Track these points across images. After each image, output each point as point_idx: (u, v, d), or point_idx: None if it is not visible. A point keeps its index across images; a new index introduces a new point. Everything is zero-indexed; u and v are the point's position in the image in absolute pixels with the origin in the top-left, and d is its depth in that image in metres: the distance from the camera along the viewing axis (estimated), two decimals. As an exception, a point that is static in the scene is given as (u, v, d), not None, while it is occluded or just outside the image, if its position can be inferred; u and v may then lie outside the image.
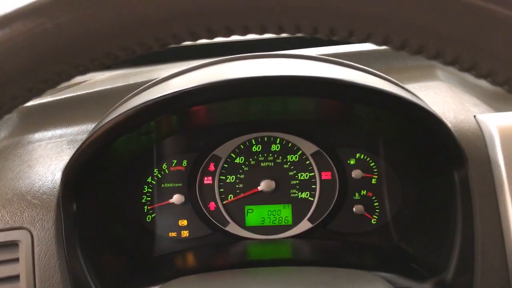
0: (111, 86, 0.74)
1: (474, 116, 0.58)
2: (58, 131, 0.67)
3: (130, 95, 0.54)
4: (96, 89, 0.75)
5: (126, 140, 0.56)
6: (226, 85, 0.46)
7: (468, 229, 0.51)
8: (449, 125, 0.53)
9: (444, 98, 0.65)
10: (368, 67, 0.55)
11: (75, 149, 0.53)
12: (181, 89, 0.47)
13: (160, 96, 0.47)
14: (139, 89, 0.55)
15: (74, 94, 0.74)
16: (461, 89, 0.71)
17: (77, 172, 0.51)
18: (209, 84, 0.46)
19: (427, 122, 0.51)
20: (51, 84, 0.22)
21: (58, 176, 0.55)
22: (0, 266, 0.49)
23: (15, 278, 0.49)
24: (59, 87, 0.80)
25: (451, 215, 0.53)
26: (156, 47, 0.22)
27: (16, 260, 0.50)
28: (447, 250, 0.52)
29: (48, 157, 0.60)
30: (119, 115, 0.49)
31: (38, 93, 0.22)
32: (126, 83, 0.73)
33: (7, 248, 0.50)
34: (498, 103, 0.67)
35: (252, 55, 0.53)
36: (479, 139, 0.54)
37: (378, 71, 0.56)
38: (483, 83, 0.76)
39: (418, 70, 0.75)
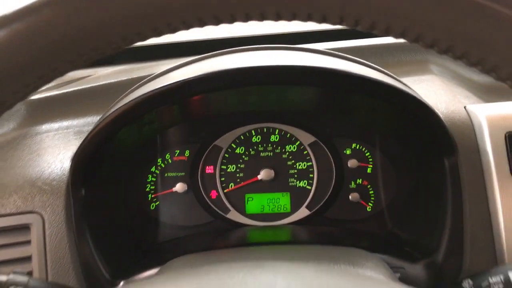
0: (115, 80, 0.77)
1: (465, 107, 0.61)
2: (65, 123, 0.69)
3: (134, 87, 0.57)
4: (100, 83, 0.77)
5: (130, 130, 0.59)
6: (225, 74, 0.49)
7: (458, 213, 0.54)
8: (441, 115, 0.55)
9: (437, 90, 0.67)
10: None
11: (81, 140, 0.55)
12: (181, 79, 0.50)
13: (162, 86, 0.50)
14: (143, 81, 0.57)
15: (79, 88, 0.77)
16: (453, 82, 0.74)
17: (85, 159, 0.53)
18: (209, 74, 0.48)
19: (418, 112, 0.53)
20: (46, 79, 0.24)
21: (66, 164, 0.58)
22: (13, 248, 0.52)
23: (27, 259, 0.52)
24: (64, 81, 0.82)
25: (442, 201, 0.56)
26: (166, 32, 0.24)
27: (28, 242, 0.52)
28: (438, 234, 0.55)
29: (56, 147, 0.63)
30: (124, 104, 0.51)
31: (35, 89, 0.24)
32: (129, 77, 0.76)
33: (20, 231, 0.53)
34: (488, 96, 0.69)
35: (252, 47, 0.55)
36: (469, 128, 0.57)
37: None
38: (474, 76, 0.79)
39: (413, 65, 0.78)
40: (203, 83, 0.50)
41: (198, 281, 0.26)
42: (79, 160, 0.53)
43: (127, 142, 0.63)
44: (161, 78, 0.55)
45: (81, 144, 0.53)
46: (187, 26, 0.23)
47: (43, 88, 0.79)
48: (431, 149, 0.58)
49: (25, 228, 0.53)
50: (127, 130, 0.57)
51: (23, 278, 0.38)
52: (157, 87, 0.50)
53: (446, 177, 0.55)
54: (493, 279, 0.36)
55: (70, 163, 0.55)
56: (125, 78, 0.76)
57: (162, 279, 0.28)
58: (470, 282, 0.38)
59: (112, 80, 0.77)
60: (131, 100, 0.51)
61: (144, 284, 0.27)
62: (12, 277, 0.37)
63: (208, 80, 0.50)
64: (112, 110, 0.52)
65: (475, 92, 0.70)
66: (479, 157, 0.55)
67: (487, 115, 0.56)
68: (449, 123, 0.57)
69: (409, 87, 0.56)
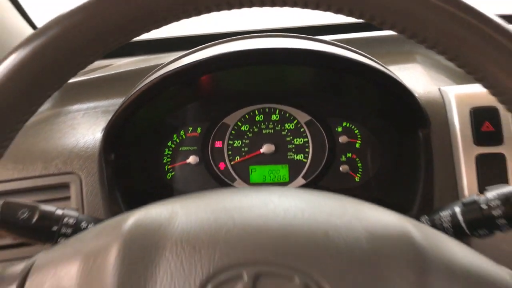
0: (134, 68, 0.88)
1: (439, 88, 0.70)
2: (92, 104, 0.79)
3: (154, 70, 0.67)
4: (121, 70, 0.88)
5: (151, 107, 0.69)
6: (233, 55, 0.59)
7: (429, 177, 0.64)
8: (417, 95, 0.65)
9: (418, 75, 0.77)
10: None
11: (107, 117, 0.66)
12: (193, 60, 0.60)
13: (180, 66, 0.60)
14: (161, 65, 0.68)
15: (103, 74, 0.88)
16: (433, 69, 0.83)
17: (115, 129, 0.63)
18: (220, 55, 0.59)
19: (396, 91, 0.63)
20: (97, 56, 0.32)
21: (97, 135, 0.68)
22: (56, 203, 0.62)
23: (68, 212, 0.62)
24: (90, 69, 0.93)
25: (416, 168, 0.65)
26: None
27: (68, 198, 0.63)
28: (413, 195, 0.64)
29: (87, 123, 0.73)
30: (147, 83, 0.62)
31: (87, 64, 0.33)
32: (146, 65, 0.86)
33: (61, 188, 0.63)
34: (463, 80, 0.79)
35: (256, 35, 0.66)
36: (440, 105, 0.67)
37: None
38: (453, 65, 0.89)
39: (400, 55, 0.88)
40: (211, 64, 0.61)
41: (198, 199, 0.35)
42: (110, 129, 0.63)
43: (149, 118, 0.73)
44: (177, 62, 0.65)
45: (112, 117, 0.63)
46: (205, 11, 0.33)
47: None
48: (408, 124, 0.68)
49: (65, 186, 0.63)
50: (149, 107, 0.67)
51: (74, 213, 0.48)
52: (173, 67, 0.61)
53: (420, 147, 0.65)
54: (443, 213, 0.46)
55: (101, 133, 0.66)
56: (143, 66, 0.87)
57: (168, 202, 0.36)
58: (426, 217, 0.48)
59: (132, 68, 0.88)
60: (153, 79, 0.61)
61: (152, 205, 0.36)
62: (66, 211, 0.48)
63: (215, 61, 0.60)
64: (138, 87, 0.63)
65: (451, 78, 0.80)
66: (448, 129, 0.64)
67: (456, 93, 0.66)
68: (424, 101, 0.66)
69: (389, 70, 0.66)
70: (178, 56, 0.67)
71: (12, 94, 0.31)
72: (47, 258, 0.33)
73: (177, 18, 0.32)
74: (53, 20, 0.31)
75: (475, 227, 0.43)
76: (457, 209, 0.44)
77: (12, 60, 0.30)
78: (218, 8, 0.31)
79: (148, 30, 0.32)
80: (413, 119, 0.66)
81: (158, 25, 0.32)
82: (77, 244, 0.33)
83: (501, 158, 0.59)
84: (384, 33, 0.92)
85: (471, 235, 0.44)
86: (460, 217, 0.44)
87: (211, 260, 0.28)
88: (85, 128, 0.71)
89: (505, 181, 0.58)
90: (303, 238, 0.29)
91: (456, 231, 0.44)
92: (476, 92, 0.65)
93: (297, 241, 0.29)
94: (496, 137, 0.60)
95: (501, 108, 0.62)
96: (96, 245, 0.31)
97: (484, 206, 0.42)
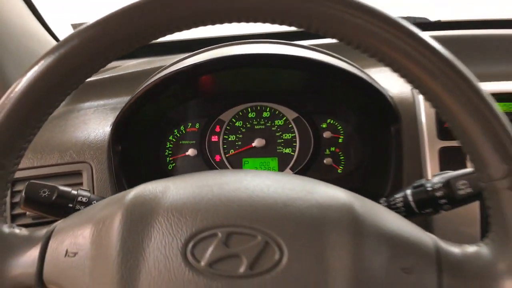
0: (140, 69, 0.96)
1: (412, 89, 0.78)
2: (102, 102, 0.88)
3: (159, 70, 0.76)
4: (128, 71, 0.97)
5: (154, 104, 0.78)
6: (227, 59, 0.68)
7: (399, 167, 0.72)
8: (391, 94, 0.74)
9: (394, 77, 0.85)
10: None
11: (115, 114, 0.74)
12: (192, 63, 0.69)
13: (181, 67, 0.69)
14: (164, 66, 0.76)
15: (112, 75, 0.97)
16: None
17: (122, 122, 0.72)
18: (216, 58, 0.68)
19: (369, 91, 0.72)
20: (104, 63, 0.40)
21: (107, 129, 0.77)
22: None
23: (81, 195, 0.71)
24: (101, 70, 1.02)
25: (389, 159, 0.73)
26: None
27: (81, 184, 0.72)
28: (385, 182, 0.73)
29: (98, 118, 0.82)
30: (151, 81, 0.71)
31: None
32: (152, 67, 0.95)
33: (75, 175, 0.72)
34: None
35: (250, 41, 0.75)
36: (411, 104, 0.75)
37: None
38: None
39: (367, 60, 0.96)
40: (208, 66, 0.70)
41: (187, 178, 0.43)
42: (118, 123, 0.72)
43: (153, 114, 0.82)
44: (178, 63, 0.74)
45: (119, 112, 0.72)
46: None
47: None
48: (382, 120, 0.76)
49: (78, 173, 0.72)
50: (153, 104, 0.76)
51: (86, 193, 0.57)
52: (175, 68, 0.69)
53: (392, 141, 0.73)
54: (397, 195, 0.54)
55: (110, 127, 0.74)
56: (148, 67, 0.96)
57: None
58: (384, 199, 0.56)
59: (138, 69, 0.96)
60: (156, 79, 0.70)
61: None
62: (80, 191, 0.57)
63: (212, 63, 0.69)
64: (143, 86, 0.71)
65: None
66: (417, 125, 0.72)
67: (424, 94, 0.74)
68: (397, 100, 0.74)
69: (365, 74, 0.74)
70: (180, 58, 0.75)
71: (39, 91, 0.39)
72: (66, 223, 0.41)
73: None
74: (72, 34, 0.39)
75: (422, 206, 0.51)
76: (408, 192, 0.53)
77: (40, 65, 0.39)
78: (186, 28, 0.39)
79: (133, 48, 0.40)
80: (386, 116, 0.74)
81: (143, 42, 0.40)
82: (89, 213, 0.41)
83: (460, 150, 0.67)
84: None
85: (419, 213, 0.52)
86: (410, 198, 0.52)
87: (194, 223, 0.37)
88: (95, 123, 0.80)
89: (462, 170, 0.66)
90: (266, 207, 0.38)
91: (407, 210, 0.52)
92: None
93: (261, 209, 0.38)
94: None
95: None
96: (104, 212, 0.39)
97: (429, 188, 0.51)
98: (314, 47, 0.75)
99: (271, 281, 0.35)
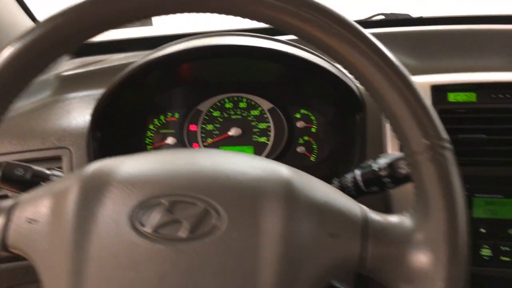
0: (123, 62, 1.00)
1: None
2: (86, 93, 0.92)
3: (136, 60, 0.80)
4: (114, 64, 1.01)
5: (133, 92, 0.81)
6: (204, 48, 0.72)
7: (363, 152, 0.75)
8: (358, 85, 0.77)
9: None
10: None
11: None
12: (172, 51, 0.73)
13: (157, 56, 0.73)
14: (143, 55, 0.80)
15: (95, 67, 1.01)
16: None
17: (101, 109, 0.76)
18: (193, 48, 0.72)
19: (336, 82, 0.75)
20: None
21: (87, 118, 0.81)
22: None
23: (60, 178, 0.75)
24: (84, 63, 1.06)
25: (354, 145, 0.77)
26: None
27: (61, 168, 0.76)
28: (349, 167, 0.76)
29: (81, 107, 0.86)
30: (129, 70, 0.74)
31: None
32: (134, 60, 0.99)
33: (55, 160, 0.76)
34: (414, 73, 0.90)
35: (226, 33, 0.78)
36: (376, 94, 0.78)
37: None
38: (406, 60, 1.00)
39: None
40: (185, 55, 0.73)
41: (143, 155, 0.47)
42: (98, 108, 0.76)
43: (133, 103, 0.86)
44: (157, 52, 0.77)
45: (100, 98, 0.76)
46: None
47: (70, 67, 1.04)
48: (351, 110, 0.80)
49: (58, 158, 0.76)
50: (133, 91, 0.80)
51: (59, 173, 0.61)
52: (152, 57, 0.73)
53: (357, 128, 0.77)
54: (347, 175, 0.58)
55: (90, 115, 0.78)
56: (131, 60, 1.00)
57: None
58: (336, 179, 0.60)
59: (121, 62, 1.00)
60: (135, 65, 0.74)
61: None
62: (53, 172, 0.61)
63: (188, 53, 0.73)
64: (122, 73, 0.75)
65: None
66: (380, 113, 0.76)
67: (389, 84, 0.77)
68: (363, 90, 0.78)
69: (332, 65, 0.77)
70: (158, 47, 0.79)
71: (11, 71, 0.43)
72: (30, 195, 0.45)
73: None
74: (44, 20, 0.43)
75: (369, 185, 0.55)
76: (357, 172, 0.56)
77: (12, 49, 0.43)
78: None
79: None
80: (352, 105, 0.78)
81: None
82: (51, 186, 0.45)
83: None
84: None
85: (367, 191, 0.55)
86: (359, 178, 0.55)
87: (142, 192, 0.41)
88: (78, 112, 0.84)
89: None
90: (210, 179, 0.42)
91: (356, 189, 0.56)
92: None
93: (204, 181, 0.41)
94: (416, 120, 0.72)
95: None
96: (64, 184, 0.43)
97: (375, 168, 0.54)
98: (290, 42, 0.78)
99: (210, 243, 0.39)
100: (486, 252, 0.66)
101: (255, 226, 0.39)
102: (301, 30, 0.40)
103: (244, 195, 0.40)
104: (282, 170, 0.43)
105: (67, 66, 1.05)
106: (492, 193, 0.68)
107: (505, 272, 0.67)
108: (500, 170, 0.68)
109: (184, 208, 0.40)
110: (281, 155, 0.89)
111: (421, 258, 0.38)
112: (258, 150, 0.89)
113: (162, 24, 1.23)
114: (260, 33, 0.86)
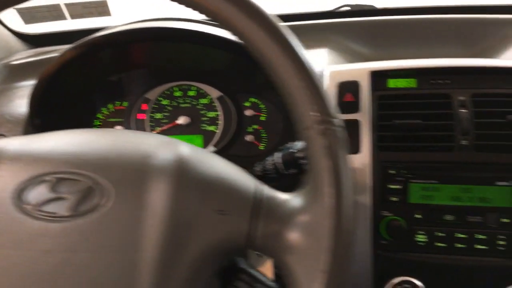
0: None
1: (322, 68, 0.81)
2: (34, 81, 0.91)
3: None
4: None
5: (74, 76, 0.80)
6: (146, 30, 0.71)
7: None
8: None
9: (316, 58, 0.88)
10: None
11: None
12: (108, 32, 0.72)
13: (95, 36, 0.72)
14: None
15: (46, 57, 1.00)
16: (339, 54, 0.94)
17: (38, 94, 0.75)
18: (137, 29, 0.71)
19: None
20: None
21: (29, 105, 0.80)
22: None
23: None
24: (37, 53, 1.05)
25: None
26: None
27: (-2, 155, 0.75)
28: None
29: (25, 96, 0.85)
30: (66, 50, 0.73)
31: None
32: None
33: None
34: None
35: (175, 19, 0.77)
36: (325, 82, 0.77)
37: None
38: (365, 51, 1.00)
39: (313, 42, 0.99)
40: (126, 36, 0.73)
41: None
42: (33, 93, 0.75)
43: (77, 88, 0.84)
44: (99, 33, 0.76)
45: (35, 84, 0.75)
46: None
47: (23, 56, 1.02)
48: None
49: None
50: (73, 77, 0.79)
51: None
52: (89, 37, 0.72)
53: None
54: (268, 158, 0.57)
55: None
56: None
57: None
58: (259, 163, 0.59)
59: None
60: (70, 47, 0.73)
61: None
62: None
63: (130, 33, 0.72)
64: (57, 56, 0.74)
65: (349, 59, 0.91)
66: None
67: (331, 71, 0.77)
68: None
69: None
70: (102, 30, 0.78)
71: None
72: None
73: None
74: None
75: (288, 167, 0.54)
76: (277, 154, 0.56)
77: None
78: None
79: None
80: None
81: None
82: None
83: (356, 123, 0.70)
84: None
85: (287, 174, 0.55)
86: (278, 160, 0.55)
87: (28, 170, 0.40)
88: (22, 99, 0.83)
89: (357, 141, 0.69)
90: (99, 156, 0.41)
91: (276, 171, 0.55)
92: (346, 69, 0.76)
93: (92, 158, 0.41)
94: (354, 106, 0.71)
95: (361, 82, 0.73)
96: None
97: (293, 150, 0.54)
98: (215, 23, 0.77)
99: (94, 220, 0.38)
100: (421, 238, 0.66)
101: (140, 202, 0.38)
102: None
103: (132, 172, 0.40)
104: (180, 148, 0.43)
105: (20, 55, 1.04)
106: (428, 178, 0.67)
107: (439, 258, 0.66)
108: (436, 156, 0.67)
109: (68, 185, 0.39)
110: (230, 144, 0.88)
111: (305, 234, 0.38)
112: (207, 138, 0.89)
113: (121, 15, 1.22)
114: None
